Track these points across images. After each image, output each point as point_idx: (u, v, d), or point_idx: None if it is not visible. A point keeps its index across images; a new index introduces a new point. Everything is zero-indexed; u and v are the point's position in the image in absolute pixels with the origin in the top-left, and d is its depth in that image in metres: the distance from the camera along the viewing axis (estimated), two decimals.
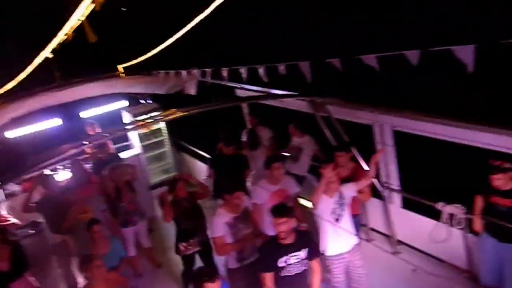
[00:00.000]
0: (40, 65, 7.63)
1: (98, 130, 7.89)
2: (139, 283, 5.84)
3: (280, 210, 3.70)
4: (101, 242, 4.79)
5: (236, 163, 6.32)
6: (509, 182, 3.97)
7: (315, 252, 3.90)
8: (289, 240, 3.70)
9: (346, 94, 6.03)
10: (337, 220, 4.41)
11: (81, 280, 4.77)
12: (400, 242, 5.82)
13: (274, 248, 3.73)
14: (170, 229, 5.85)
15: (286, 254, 3.72)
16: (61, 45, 6.15)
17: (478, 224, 4.38)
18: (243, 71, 5.97)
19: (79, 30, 5.10)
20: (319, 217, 4.44)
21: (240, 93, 7.57)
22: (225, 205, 4.46)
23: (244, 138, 7.38)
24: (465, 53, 3.12)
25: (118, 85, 9.05)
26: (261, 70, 5.23)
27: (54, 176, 6.65)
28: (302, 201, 7.30)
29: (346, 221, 4.49)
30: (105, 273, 4.02)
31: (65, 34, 5.34)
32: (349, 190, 4.56)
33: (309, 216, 5.24)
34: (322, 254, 4.54)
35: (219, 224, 4.33)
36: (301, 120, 6.73)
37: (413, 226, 5.60)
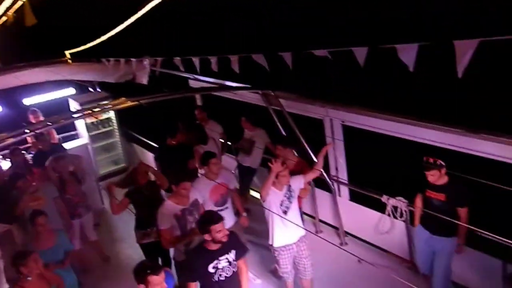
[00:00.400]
0: None
1: (41, 118, 7.51)
2: (86, 278, 5.63)
3: (216, 217, 3.55)
4: (46, 235, 4.53)
5: (181, 153, 6.23)
6: (442, 177, 4.17)
7: (242, 252, 3.79)
8: (215, 246, 3.56)
9: (299, 88, 6.11)
10: (285, 212, 4.46)
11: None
12: (347, 234, 6.02)
13: (203, 255, 3.58)
14: (118, 222, 5.71)
15: (215, 259, 3.57)
16: (2, 26, 5.78)
17: (417, 219, 4.61)
18: (196, 61, 5.88)
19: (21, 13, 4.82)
20: (268, 209, 4.46)
21: (193, 84, 7.48)
22: (172, 196, 4.38)
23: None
24: (408, 53, 3.20)
25: (65, 72, 8.63)
26: (213, 61, 5.16)
27: None
28: (254, 193, 7.42)
29: (294, 213, 4.54)
30: (41, 269, 3.83)
31: (5, 15, 5.01)
32: (297, 183, 4.61)
33: (257, 209, 5.29)
34: (270, 245, 4.60)
35: (166, 216, 4.24)
36: (255, 113, 6.73)
37: (360, 218, 5.79)
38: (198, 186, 4.81)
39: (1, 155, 7.32)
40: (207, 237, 3.50)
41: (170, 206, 4.31)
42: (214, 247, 3.57)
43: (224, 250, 3.61)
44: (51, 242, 4.52)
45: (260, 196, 4.41)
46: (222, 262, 3.61)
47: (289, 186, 4.52)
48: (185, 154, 6.26)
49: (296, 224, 4.29)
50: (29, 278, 3.76)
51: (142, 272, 3.12)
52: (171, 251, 4.84)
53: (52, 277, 4.06)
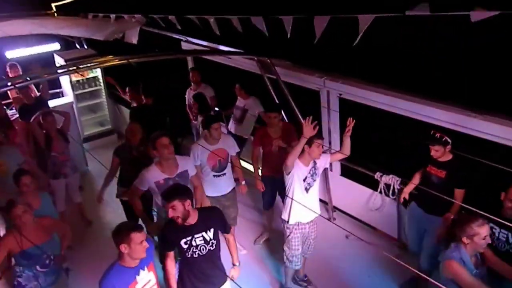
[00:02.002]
0: None
1: (21, 73, 7.15)
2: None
3: (170, 194, 3.27)
4: (31, 197, 4.24)
5: (156, 115, 6.04)
6: (446, 155, 4.06)
7: (224, 228, 3.58)
8: (191, 221, 3.33)
9: (296, 57, 5.88)
10: (306, 189, 4.23)
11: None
12: (336, 209, 5.95)
13: (176, 229, 3.35)
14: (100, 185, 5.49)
15: (189, 236, 3.35)
16: None
17: (407, 191, 4.45)
18: (194, 20, 5.54)
19: None
20: (289, 182, 4.20)
21: (185, 46, 7.17)
22: (159, 162, 4.11)
23: (189, 97, 7.00)
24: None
25: (51, 26, 8.17)
26: (211, 21, 4.86)
27: None
28: (243, 163, 7.27)
29: (315, 192, 4.32)
30: (34, 220, 3.67)
31: None
32: (323, 161, 4.34)
33: (247, 179, 5.16)
34: (284, 221, 4.37)
35: (146, 179, 4.01)
36: (248, 81, 6.51)
37: (350, 194, 5.70)
38: (196, 149, 4.65)
39: None
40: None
41: (155, 172, 4.05)
42: (187, 222, 3.32)
43: (201, 228, 3.37)
44: (36, 204, 4.26)
45: (285, 165, 4.08)
46: (197, 240, 3.37)
47: (315, 163, 4.24)
48: (161, 115, 6.08)
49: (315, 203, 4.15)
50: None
51: (123, 230, 2.95)
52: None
53: (53, 224, 3.93)
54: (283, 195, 4.60)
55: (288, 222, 4.32)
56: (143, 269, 3.13)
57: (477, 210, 2.47)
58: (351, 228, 5.51)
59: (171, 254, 3.53)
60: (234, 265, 3.75)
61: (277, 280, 4.92)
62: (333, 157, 4.55)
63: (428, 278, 2.12)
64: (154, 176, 4.03)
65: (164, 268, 3.55)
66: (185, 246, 3.36)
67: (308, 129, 3.88)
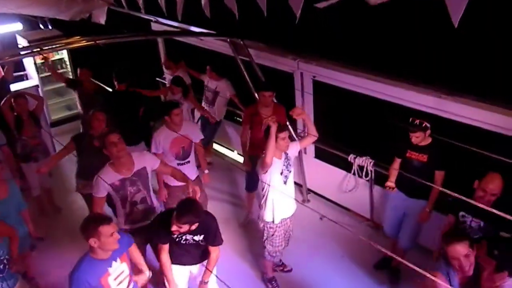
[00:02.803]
0: None
1: None
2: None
3: (182, 216, 3.19)
4: None
5: (130, 101, 5.85)
6: (426, 139, 4.10)
7: (212, 241, 3.50)
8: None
9: (269, 38, 5.80)
10: (284, 182, 4.12)
11: None
12: (310, 191, 5.99)
13: (169, 223, 3.29)
14: (71, 172, 5.34)
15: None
16: None
17: (393, 180, 4.37)
18: (161, 1, 5.37)
19: None
20: (268, 180, 4.04)
21: (156, 27, 6.97)
22: (112, 162, 3.73)
23: (165, 81, 6.83)
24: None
25: (12, 4, 7.77)
26: (180, 1, 4.69)
27: None
28: (216, 147, 7.21)
29: (291, 183, 4.22)
30: None
31: None
32: (293, 150, 4.23)
33: (220, 162, 5.10)
34: (267, 222, 4.24)
35: (102, 184, 3.64)
36: (221, 62, 6.39)
37: (324, 176, 5.74)
38: (158, 137, 4.48)
39: None
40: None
41: (108, 173, 3.69)
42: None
43: (193, 232, 3.36)
44: (4, 193, 4.06)
45: (265, 164, 3.91)
46: (188, 236, 3.41)
47: (286, 154, 4.13)
48: (135, 101, 5.89)
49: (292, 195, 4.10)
50: None
51: (91, 224, 2.84)
52: None
53: (3, 230, 3.67)
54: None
55: (273, 222, 4.18)
56: (115, 260, 3.03)
57: (455, 195, 2.48)
58: (325, 209, 5.57)
59: (166, 246, 3.46)
60: (204, 282, 3.63)
61: (258, 271, 4.87)
62: (303, 143, 4.41)
63: (401, 260, 2.13)
64: (109, 178, 3.66)
65: (160, 261, 3.50)
66: (176, 239, 3.40)
67: (275, 126, 3.85)
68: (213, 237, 3.49)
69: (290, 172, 4.14)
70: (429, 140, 4.11)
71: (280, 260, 4.79)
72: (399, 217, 4.47)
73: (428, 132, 4.01)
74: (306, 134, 4.40)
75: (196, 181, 4.74)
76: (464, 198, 2.27)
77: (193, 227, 3.26)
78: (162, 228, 3.39)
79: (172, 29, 6.33)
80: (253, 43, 5.61)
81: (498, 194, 3.30)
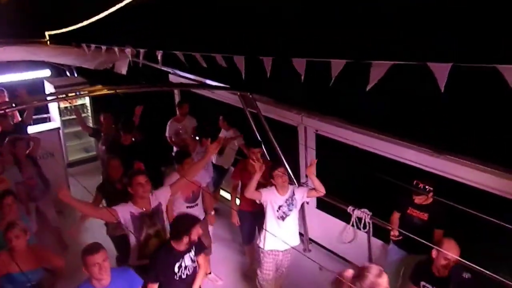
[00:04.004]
0: None
1: (7, 98, 7.31)
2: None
3: (192, 221, 3.62)
4: (11, 217, 4.32)
5: (138, 150, 6.14)
6: (428, 199, 4.27)
7: (200, 249, 3.84)
8: (185, 246, 3.62)
9: (277, 93, 6.17)
10: (282, 218, 4.44)
11: None
12: (311, 241, 6.11)
13: (169, 254, 3.58)
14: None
15: (180, 258, 3.62)
16: None
17: (396, 233, 4.54)
18: (180, 56, 5.83)
19: None
20: (265, 210, 4.47)
21: (173, 79, 7.45)
22: (133, 199, 4.03)
23: (171, 128, 7.18)
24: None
25: (43, 53, 8.45)
26: (198, 56, 5.12)
27: None
28: (223, 193, 7.42)
29: (291, 223, 4.52)
30: (27, 246, 3.74)
31: None
32: (301, 194, 4.58)
33: (226, 209, 5.31)
34: (258, 246, 4.63)
35: (121, 210, 3.89)
36: (231, 114, 6.77)
37: (325, 226, 5.88)
38: (170, 182, 4.73)
39: None
40: (185, 239, 3.53)
41: (130, 206, 3.98)
42: (182, 247, 3.60)
43: (189, 249, 3.64)
44: None
45: (244, 193, 4.41)
46: (186, 261, 3.64)
47: (293, 194, 4.51)
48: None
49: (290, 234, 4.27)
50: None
51: (82, 253, 3.13)
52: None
53: (46, 256, 3.95)
54: (260, 228, 4.81)
55: (263, 248, 4.52)
56: None
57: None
58: (325, 259, 5.67)
59: (155, 286, 3.62)
60: None
61: None
62: (309, 193, 4.68)
63: None
64: (129, 209, 3.95)
65: None
66: (177, 270, 3.59)
67: (259, 167, 4.27)
68: (201, 245, 3.84)
69: (291, 211, 4.45)
70: (431, 199, 4.27)
71: None
72: (398, 274, 4.56)
73: (431, 194, 4.18)
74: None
75: (202, 224, 4.97)
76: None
77: (200, 230, 3.57)
78: (160, 262, 3.59)
79: (188, 81, 6.79)
80: (262, 97, 5.98)
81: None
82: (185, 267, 3.66)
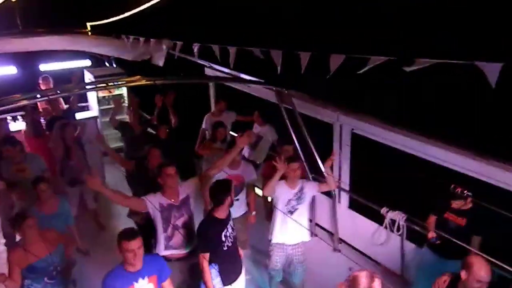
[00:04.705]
0: (2, 7, 7.20)
1: (51, 85, 7.57)
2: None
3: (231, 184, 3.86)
4: (48, 201, 4.57)
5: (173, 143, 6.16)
6: (467, 204, 4.13)
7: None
8: (224, 213, 3.83)
9: (312, 89, 6.10)
10: (291, 212, 4.44)
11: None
12: (341, 241, 6.01)
13: (215, 224, 3.79)
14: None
15: (224, 227, 3.81)
16: None
17: (433, 234, 4.39)
18: (215, 49, 5.85)
19: None
20: (274, 203, 4.49)
21: (209, 72, 7.48)
22: (162, 191, 4.07)
23: (207, 122, 7.19)
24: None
25: (84, 43, 8.68)
26: (231, 52, 5.12)
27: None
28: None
29: (300, 217, 4.51)
30: (38, 233, 3.83)
31: None
32: (311, 188, 4.59)
33: (257, 204, 5.30)
34: (269, 240, 4.65)
35: (150, 201, 3.97)
36: (265, 109, 6.74)
37: (356, 227, 5.78)
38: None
39: (13, 116, 7.45)
40: (226, 201, 3.77)
41: (159, 197, 4.04)
42: (223, 215, 3.80)
43: (228, 218, 3.86)
44: (54, 208, 4.60)
45: (262, 191, 4.42)
46: (229, 229, 3.84)
47: (302, 188, 4.51)
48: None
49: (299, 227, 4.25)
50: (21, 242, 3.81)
51: (118, 236, 3.19)
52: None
53: (57, 238, 4.07)
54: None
55: (271, 240, 4.60)
56: (143, 278, 3.28)
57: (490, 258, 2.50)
58: (355, 260, 5.55)
59: (208, 255, 3.79)
60: None
61: None
62: (321, 187, 4.75)
63: None
64: (158, 199, 4.02)
65: (204, 270, 3.80)
66: (224, 239, 3.77)
67: (281, 166, 4.28)
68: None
69: (299, 205, 4.48)
70: (470, 205, 4.12)
71: None
72: (431, 278, 4.42)
73: (469, 199, 4.04)
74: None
75: (242, 218, 5.08)
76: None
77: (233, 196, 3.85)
78: (209, 231, 3.79)
79: (223, 75, 6.80)
80: (297, 93, 5.92)
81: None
82: (229, 236, 3.82)
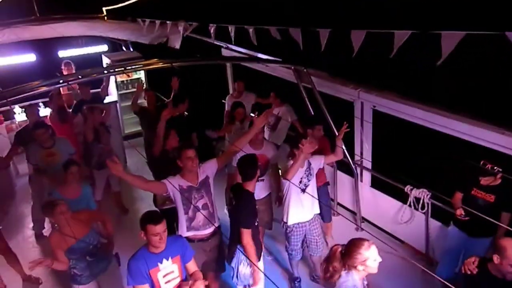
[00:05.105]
0: None
1: (74, 71, 7.64)
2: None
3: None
4: (74, 185, 4.62)
5: (185, 124, 6.10)
6: (496, 180, 4.01)
7: None
8: (253, 188, 3.96)
9: (331, 67, 5.98)
10: (303, 190, 4.43)
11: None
12: (364, 220, 5.97)
13: (251, 200, 3.91)
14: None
15: (255, 200, 3.97)
16: None
17: (461, 212, 4.27)
18: (231, 30, 5.77)
19: None
20: (286, 186, 4.46)
21: (225, 53, 7.41)
22: (181, 173, 4.06)
23: (229, 103, 7.15)
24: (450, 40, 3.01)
25: (101, 28, 8.67)
26: (251, 31, 5.03)
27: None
28: None
29: (311, 192, 4.53)
30: (71, 216, 3.89)
31: None
32: (317, 162, 4.59)
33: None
34: (284, 222, 4.62)
35: (169, 184, 3.95)
36: (284, 88, 6.65)
37: (379, 205, 5.72)
38: (238, 153, 4.58)
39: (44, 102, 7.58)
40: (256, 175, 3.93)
41: (179, 179, 4.03)
42: (252, 186, 3.95)
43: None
44: (77, 193, 4.64)
45: (285, 175, 4.32)
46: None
47: (310, 164, 4.48)
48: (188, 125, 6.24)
49: (312, 202, 4.25)
50: (56, 226, 3.90)
51: (143, 220, 3.22)
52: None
53: (91, 217, 4.19)
54: (321, 211, 4.79)
55: (287, 223, 4.58)
56: (167, 259, 3.33)
57: None
58: (379, 239, 5.51)
59: (250, 231, 3.85)
60: None
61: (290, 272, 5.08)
62: (327, 159, 4.75)
63: None
64: (178, 182, 4.02)
65: (248, 245, 3.84)
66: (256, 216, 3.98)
67: (307, 148, 4.17)
68: None
69: (309, 181, 4.47)
70: (499, 180, 4.01)
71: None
72: (457, 256, 4.36)
73: (499, 175, 3.92)
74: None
75: (267, 199, 5.09)
76: None
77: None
78: (248, 211, 3.86)
79: (240, 55, 6.73)
80: (316, 72, 5.81)
81: None
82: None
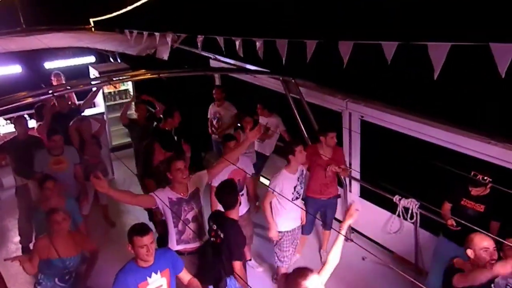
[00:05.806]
0: (4, 5, 7.17)
1: (63, 82, 7.55)
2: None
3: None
4: (54, 199, 4.47)
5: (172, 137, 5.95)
6: (485, 190, 4.04)
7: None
8: (237, 215, 3.88)
9: (319, 78, 6.00)
10: (297, 198, 4.44)
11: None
12: (353, 230, 5.95)
13: (238, 228, 3.79)
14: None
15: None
16: None
17: (452, 222, 4.29)
18: (220, 41, 5.78)
19: None
20: (279, 195, 4.41)
21: (213, 64, 7.42)
22: (171, 185, 4.01)
23: (211, 112, 7.17)
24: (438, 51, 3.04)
25: (87, 39, 8.64)
26: (237, 43, 5.04)
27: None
28: (263, 180, 7.37)
29: (300, 199, 4.65)
30: (68, 232, 3.82)
31: None
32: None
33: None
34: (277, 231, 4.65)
35: (160, 196, 3.88)
36: (272, 99, 6.66)
37: (368, 216, 5.70)
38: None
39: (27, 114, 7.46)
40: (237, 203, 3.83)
41: (168, 191, 3.97)
42: (236, 216, 3.86)
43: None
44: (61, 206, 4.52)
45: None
46: None
47: (302, 170, 4.49)
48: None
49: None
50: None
51: (130, 232, 3.17)
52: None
53: (84, 242, 4.07)
54: (325, 219, 4.88)
55: (282, 231, 4.63)
56: (156, 273, 3.26)
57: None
58: (368, 250, 5.50)
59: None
60: None
61: None
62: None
63: None
64: (167, 194, 3.95)
65: (240, 272, 3.75)
66: None
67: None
68: None
69: (302, 189, 4.52)
70: (488, 190, 4.04)
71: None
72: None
73: (489, 185, 3.95)
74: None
75: (247, 214, 5.02)
76: None
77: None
78: (240, 245, 3.75)
79: (229, 66, 6.73)
80: (304, 82, 5.83)
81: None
82: None
